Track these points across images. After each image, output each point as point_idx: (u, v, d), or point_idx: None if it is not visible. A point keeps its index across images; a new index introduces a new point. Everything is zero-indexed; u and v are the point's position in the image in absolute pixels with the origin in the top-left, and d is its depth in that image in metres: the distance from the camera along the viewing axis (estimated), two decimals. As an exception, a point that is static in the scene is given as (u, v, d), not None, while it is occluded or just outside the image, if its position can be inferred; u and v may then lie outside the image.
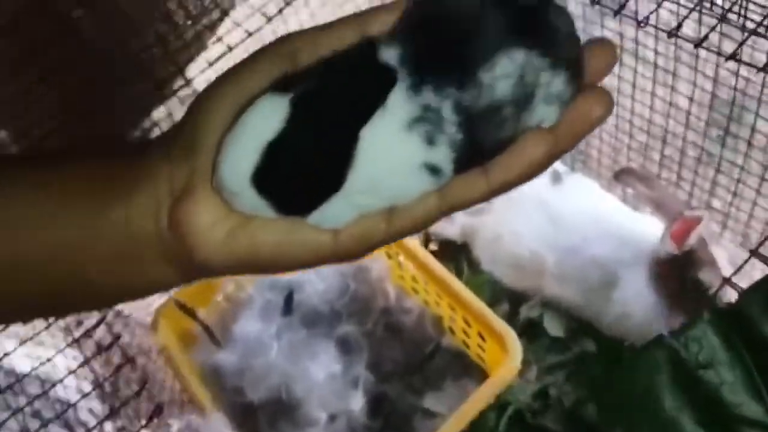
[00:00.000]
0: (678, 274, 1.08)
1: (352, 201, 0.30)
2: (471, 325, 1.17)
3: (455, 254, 1.38)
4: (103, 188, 0.32)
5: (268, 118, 0.29)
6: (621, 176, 1.18)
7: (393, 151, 0.29)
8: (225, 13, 1.02)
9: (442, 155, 0.30)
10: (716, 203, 1.19)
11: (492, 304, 1.31)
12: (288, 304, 1.20)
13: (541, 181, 1.30)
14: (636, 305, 1.14)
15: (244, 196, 0.30)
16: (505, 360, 1.07)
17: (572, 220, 1.21)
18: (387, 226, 0.31)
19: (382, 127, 0.29)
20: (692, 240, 1.05)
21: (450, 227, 1.35)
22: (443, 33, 0.30)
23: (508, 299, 1.29)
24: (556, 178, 1.31)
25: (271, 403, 1.09)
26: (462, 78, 0.29)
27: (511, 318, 1.27)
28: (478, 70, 0.29)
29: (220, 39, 1.04)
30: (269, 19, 0.99)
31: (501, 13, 0.30)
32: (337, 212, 0.30)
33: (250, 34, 0.99)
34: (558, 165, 1.35)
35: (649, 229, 1.16)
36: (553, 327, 1.22)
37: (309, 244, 0.30)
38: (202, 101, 0.31)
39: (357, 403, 1.13)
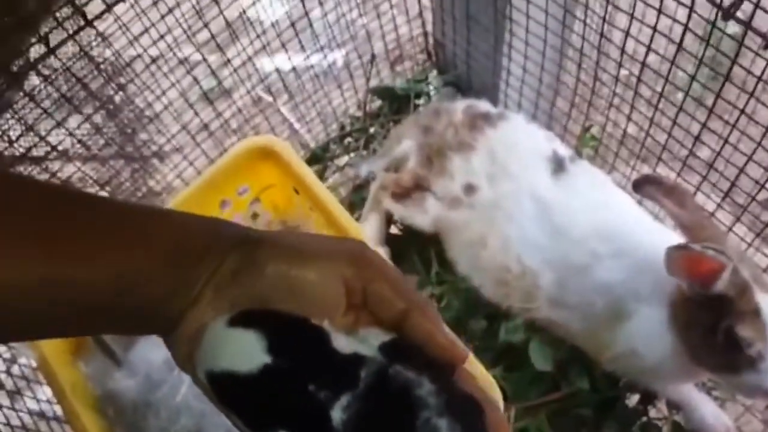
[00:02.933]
0: (705, 320, 0.85)
1: None
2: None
3: (423, 243, 1.12)
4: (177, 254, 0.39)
5: (250, 355, 0.37)
6: (642, 186, 0.92)
7: None
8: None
9: None
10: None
11: (465, 316, 1.07)
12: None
13: (541, 169, 1.03)
14: (648, 346, 0.92)
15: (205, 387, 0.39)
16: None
17: (579, 232, 0.96)
18: None
19: None
20: (721, 284, 0.81)
21: (420, 216, 1.08)
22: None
23: (485, 315, 1.05)
24: (559, 166, 1.04)
25: (180, 452, 0.84)
26: None
27: (487, 339, 1.04)
28: None
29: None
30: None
31: None
32: None
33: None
34: (560, 147, 1.08)
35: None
36: (540, 358, 0.99)
37: None
38: (259, 264, 0.40)
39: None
